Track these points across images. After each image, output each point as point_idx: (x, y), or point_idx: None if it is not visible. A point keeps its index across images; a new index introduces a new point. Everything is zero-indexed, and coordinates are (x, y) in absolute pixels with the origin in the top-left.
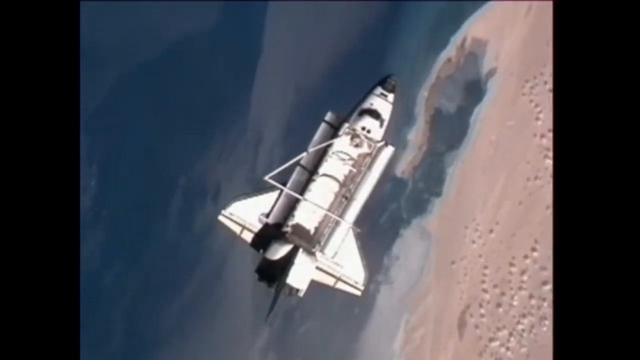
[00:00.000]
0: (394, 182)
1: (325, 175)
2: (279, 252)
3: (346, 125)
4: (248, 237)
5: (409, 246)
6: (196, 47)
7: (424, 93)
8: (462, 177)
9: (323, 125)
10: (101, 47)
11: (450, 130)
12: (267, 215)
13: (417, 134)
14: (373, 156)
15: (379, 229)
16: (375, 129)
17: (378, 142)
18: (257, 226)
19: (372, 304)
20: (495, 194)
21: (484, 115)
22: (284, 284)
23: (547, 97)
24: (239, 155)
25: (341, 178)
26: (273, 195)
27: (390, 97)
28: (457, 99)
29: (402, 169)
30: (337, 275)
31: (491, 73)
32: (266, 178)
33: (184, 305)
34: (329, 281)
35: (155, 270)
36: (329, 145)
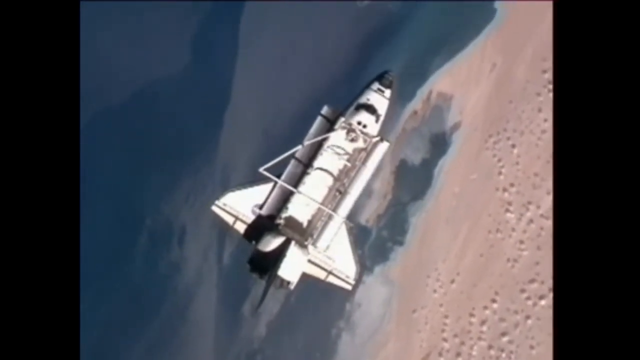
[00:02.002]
0: (359, 229)
1: (319, 168)
2: (271, 244)
3: (342, 119)
4: (241, 228)
5: (372, 293)
6: (166, 90)
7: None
8: (425, 227)
9: (319, 119)
10: None
11: (414, 181)
12: (261, 207)
13: (382, 183)
14: (368, 151)
15: None
16: (371, 124)
17: (374, 137)
18: (250, 217)
19: (334, 350)
20: (458, 245)
21: (448, 168)
22: (275, 276)
23: (509, 152)
24: (206, 198)
25: (336, 172)
26: (267, 187)
27: (387, 92)
28: (422, 151)
29: (367, 217)
30: (329, 269)
31: (456, 127)
32: (261, 170)
33: (147, 345)
34: (321, 275)
35: (119, 309)
36: (325, 139)
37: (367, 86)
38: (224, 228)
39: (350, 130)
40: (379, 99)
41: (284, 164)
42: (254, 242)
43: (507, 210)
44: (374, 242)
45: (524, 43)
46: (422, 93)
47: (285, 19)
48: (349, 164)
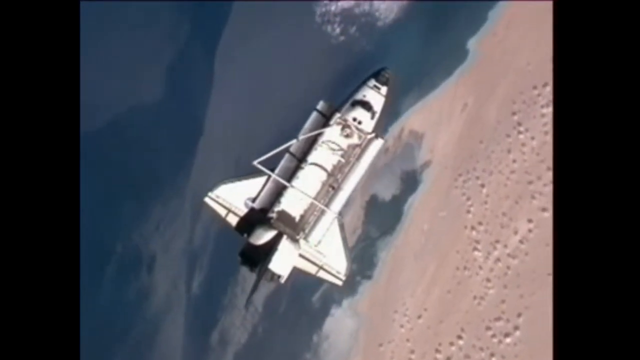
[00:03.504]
0: None
1: (313, 164)
2: (263, 237)
3: (337, 115)
4: (233, 220)
5: (339, 326)
6: (139, 118)
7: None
8: (394, 262)
9: (314, 114)
10: None
11: (384, 217)
12: (254, 200)
13: (352, 218)
14: (362, 148)
15: (310, 307)
16: (367, 121)
17: (368, 133)
18: (242, 210)
19: None
20: (425, 281)
21: (417, 205)
22: (266, 269)
23: (478, 191)
24: (176, 227)
25: (329, 167)
26: (260, 180)
27: (383, 89)
28: (393, 187)
29: None
30: (320, 263)
31: (426, 165)
32: (255, 163)
33: None
34: (311, 269)
35: (86, 336)
36: (319, 134)
37: (364, 83)
38: (216, 220)
39: (345, 126)
40: (374, 95)
41: (278, 157)
42: (245, 235)
43: (475, 249)
44: None
45: (495, 85)
46: (393, 130)
47: (260, 51)
48: (343, 160)
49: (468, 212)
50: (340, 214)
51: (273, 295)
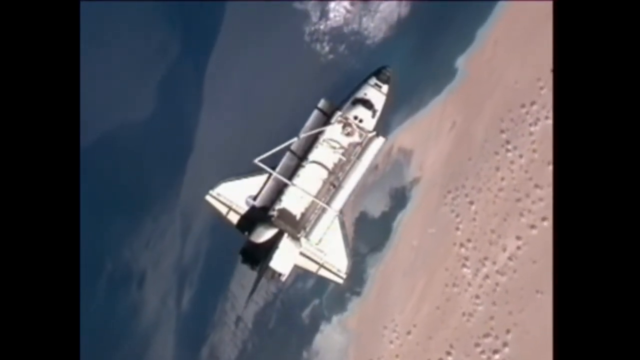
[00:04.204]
0: (317, 279)
1: (314, 162)
2: (264, 235)
3: (339, 113)
4: (234, 218)
5: (329, 342)
6: (129, 135)
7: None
8: (383, 278)
9: (315, 112)
10: None
11: (374, 233)
12: (255, 198)
13: None
14: (363, 146)
15: (300, 323)
16: (368, 119)
17: (369, 132)
18: (243, 208)
19: None
20: (415, 297)
21: (406, 222)
22: (267, 268)
23: (467, 208)
24: (166, 244)
25: (330, 166)
26: (261, 178)
27: (385, 88)
28: (382, 204)
29: None
30: (321, 262)
31: (415, 182)
32: (256, 161)
33: None
34: (312, 267)
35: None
36: (320, 133)
37: (365, 81)
38: (217, 217)
39: (346, 124)
40: (376, 94)
41: (279, 156)
42: (246, 233)
43: (464, 265)
44: (332, 292)
45: (483, 103)
46: (383, 148)
47: (250, 69)
48: (344, 158)
49: (457, 229)
50: (341, 212)
51: (263, 311)
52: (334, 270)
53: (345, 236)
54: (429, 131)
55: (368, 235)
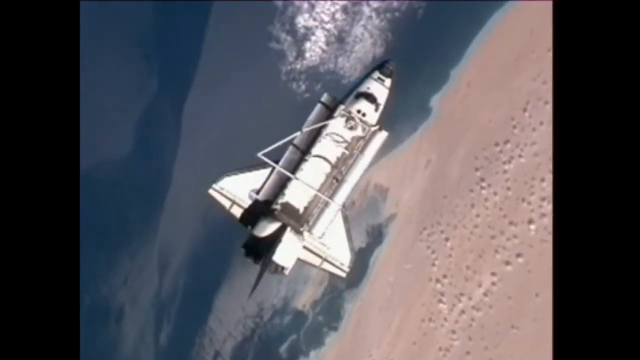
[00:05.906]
0: (295, 314)
1: (318, 156)
2: (267, 229)
3: (342, 107)
4: (237, 212)
5: None
6: (108, 172)
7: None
8: (360, 314)
9: (319, 106)
10: None
11: (351, 270)
12: (258, 192)
13: (319, 270)
14: (367, 140)
15: (278, 358)
16: (371, 113)
17: (373, 126)
18: (247, 202)
19: None
20: (391, 332)
21: (383, 258)
22: (270, 262)
23: (443, 245)
24: (144, 280)
25: (333, 160)
26: (265, 172)
27: (388, 82)
28: (359, 240)
29: (304, 302)
30: (324, 256)
31: (391, 219)
32: (259, 155)
33: None
34: (315, 261)
35: None
36: (324, 127)
37: (368, 75)
38: (220, 212)
39: (349, 118)
40: (379, 88)
41: (282, 150)
42: (250, 227)
43: (440, 301)
44: (310, 327)
45: (458, 141)
46: (359, 185)
47: (228, 107)
48: (347, 152)
49: (433, 265)
50: (344, 207)
51: (241, 346)
52: (337, 264)
53: (348, 230)
54: (405, 169)
55: None
